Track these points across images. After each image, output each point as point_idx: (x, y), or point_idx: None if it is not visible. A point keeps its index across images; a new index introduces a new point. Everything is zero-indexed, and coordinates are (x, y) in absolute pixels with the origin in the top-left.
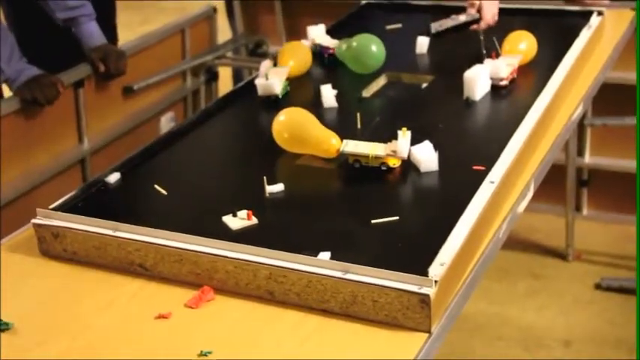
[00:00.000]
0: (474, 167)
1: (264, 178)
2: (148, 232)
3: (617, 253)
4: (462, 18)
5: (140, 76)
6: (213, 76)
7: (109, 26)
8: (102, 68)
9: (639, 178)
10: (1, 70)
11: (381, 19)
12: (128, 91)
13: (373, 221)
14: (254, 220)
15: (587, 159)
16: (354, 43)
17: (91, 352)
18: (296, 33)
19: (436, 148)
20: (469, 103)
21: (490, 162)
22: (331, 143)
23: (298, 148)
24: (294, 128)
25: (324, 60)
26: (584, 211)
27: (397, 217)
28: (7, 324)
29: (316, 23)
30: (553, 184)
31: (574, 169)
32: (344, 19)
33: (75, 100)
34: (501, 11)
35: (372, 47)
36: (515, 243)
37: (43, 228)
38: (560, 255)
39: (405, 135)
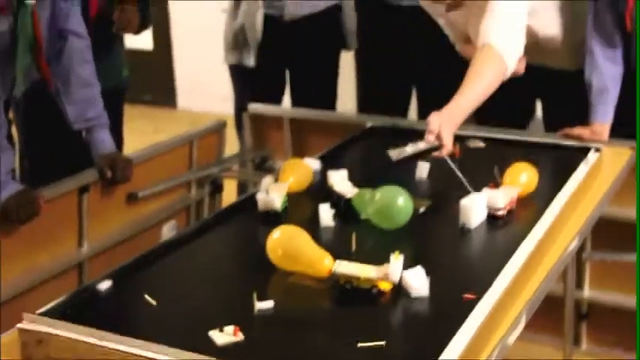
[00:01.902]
0: (465, 296)
1: (254, 294)
2: (132, 342)
3: None
4: (422, 145)
5: (146, 184)
6: (217, 188)
7: (116, 133)
8: (108, 175)
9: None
10: None
11: (383, 143)
12: (132, 198)
13: (360, 344)
14: (240, 337)
15: (587, 292)
16: (378, 196)
17: None
18: (303, 150)
19: (428, 274)
20: (464, 231)
21: (482, 291)
22: (324, 264)
23: (291, 266)
24: (288, 246)
25: (340, 205)
26: (583, 346)
27: (384, 342)
28: None
29: (323, 143)
30: (553, 316)
31: (572, 301)
32: (344, 142)
33: (78, 204)
34: (500, 142)
35: (398, 200)
36: None
37: (28, 333)
38: None
39: (397, 259)
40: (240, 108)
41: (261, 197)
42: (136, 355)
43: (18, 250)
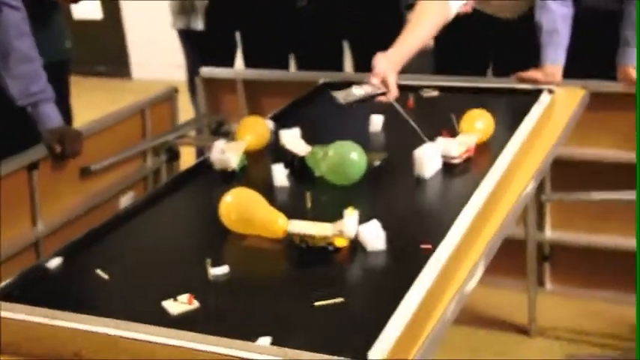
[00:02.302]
0: (422, 246)
1: (208, 260)
2: (83, 319)
3: (583, 329)
4: (368, 89)
5: (99, 157)
6: (174, 156)
7: (63, 107)
8: (58, 149)
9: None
10: None
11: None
12: (86, 172)
13: (317, 303)
14: (195, 304)
15: (548, 234)
16: (331, 152)
17: None
18: (259, 111)
19: (385, 227)
20: (419, 182)
21: (438, 240)
22: (278, 224)
23: (246, 229)
24: (241, 209)
25: (293, 164)
26: (548, 286)
27: (342, 299)
28: None
29: (278, 103)
30: (516, 260)
31: (534, 243)
32: (297, 101)
33: (29, 182)
34: (454, 89)
35: (351, 155)
36: (476, 320)
37: None
38: (524, 331)
39: (351, 214)
40: (192, 73)
41: (216, 157)
42: (90, 332)
43: None
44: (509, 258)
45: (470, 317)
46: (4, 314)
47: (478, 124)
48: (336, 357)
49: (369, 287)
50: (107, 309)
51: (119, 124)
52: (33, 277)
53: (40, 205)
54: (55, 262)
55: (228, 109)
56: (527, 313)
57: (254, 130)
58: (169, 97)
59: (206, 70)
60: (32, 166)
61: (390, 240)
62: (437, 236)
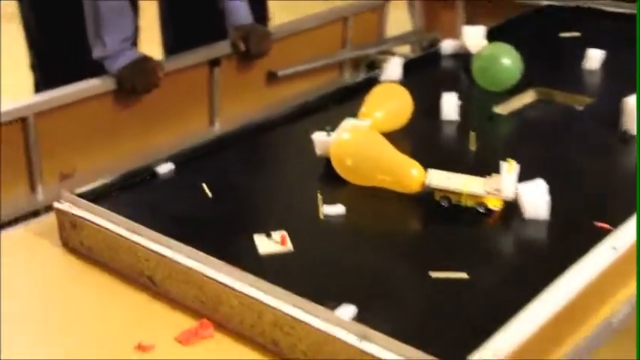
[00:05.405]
0: (598, 223)
1: (319, 195)
2: (163, 240)
3: None
4: None
5: (291, 63)
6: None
7: (258, 4)
8: (242, 47)
9: None
10: (105, 43)
11: (557, 24)
12: (272, 77)
13: (433, 274)
14: (288, 247)
15: None
16: (485, 52)
17: None
18: None
19: (555, 190)
20: (626, 138)
21: (619, 222)
22: (411, 175)
23: (365, 179)
24: (360, 154)
25: None
26: None
27: (466, 275)
28: None
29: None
30: None
31: None
32: (514, 19)
33: (209, 78)
34: None
35: (503, 60)
36: None
37: (64, 215)
38: None
39: (511, 169)
40: None
41: (319, 139)
42: (165, 257)
43: (137, 124)
44: None
45: None
46: (88, 216)
47: None
48: (425, 354)
49: (507, 267)
50: (196, 233)
51: (317, 29)
52: (137, 180)
53: (218, 104)
54: (165, 168)
55: (445, 28)
56: None
57: (387, 106)
58: (378, 6)
59: None
60: (214, 63)
61: (556, 209)
62: (620, 217)
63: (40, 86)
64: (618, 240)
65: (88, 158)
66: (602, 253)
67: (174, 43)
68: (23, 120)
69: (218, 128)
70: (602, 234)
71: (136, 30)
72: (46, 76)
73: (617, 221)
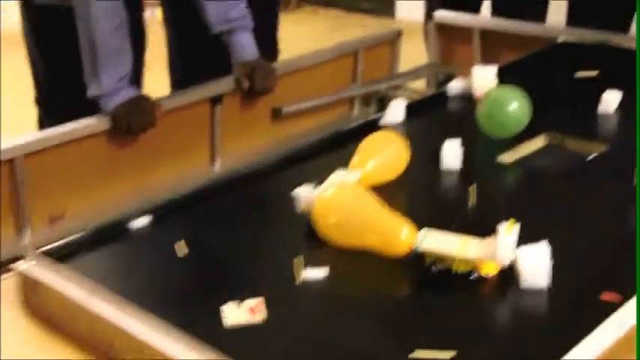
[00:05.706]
0: (605, 296)
1: (299, 259)
2: (118, 311)
3: None
4: None
5: (297, 99)
6: (384, 108)
7: (268, 38)
8: (246, 85)
9: None
10: (101, 82)
11: (574, 62)
12: (277, 114)
13: (414, 355)
14: (260, 316)
15: None
16: (490, 98)
17: None
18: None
19: (559, 253)
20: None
21: (631, 289)
22: (399, 237)
23: (349, 240)
24: (345, 212)
25: None
26: None
27: (453, 355)
28: None
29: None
30: None
31: None
32: (529, 57)
33: (211, 116)
34: None
35: (509, 106)
36: None
37: (25, 275)
38: None
39: (509, 231)
40: (430, 13)
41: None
42: (118, 327)
43: (133, 163)
44: None
45: None
46: (45, 279)
47: None
48: None
49: (499, 345)
50: (160, 297)
51: (326, 64)
52: (111, 234)
53: (220, 142)
54: (140, 222)
55: (461, 61)
56: None
57: (381, 155)
58: (391, 39)
59: (441, 14)
60: (216, 100)
61: (558, 276)
62: (631, 284)
63: (43, 121)
64: (627, 315)
65: (80, 200)
66: (609, 329)
67: (182, 78)
68: (11, 161)
69: (219, 168)
70: (609, 307)
71: (140, 66)
72: (48, 111)
73: (626, 289)
